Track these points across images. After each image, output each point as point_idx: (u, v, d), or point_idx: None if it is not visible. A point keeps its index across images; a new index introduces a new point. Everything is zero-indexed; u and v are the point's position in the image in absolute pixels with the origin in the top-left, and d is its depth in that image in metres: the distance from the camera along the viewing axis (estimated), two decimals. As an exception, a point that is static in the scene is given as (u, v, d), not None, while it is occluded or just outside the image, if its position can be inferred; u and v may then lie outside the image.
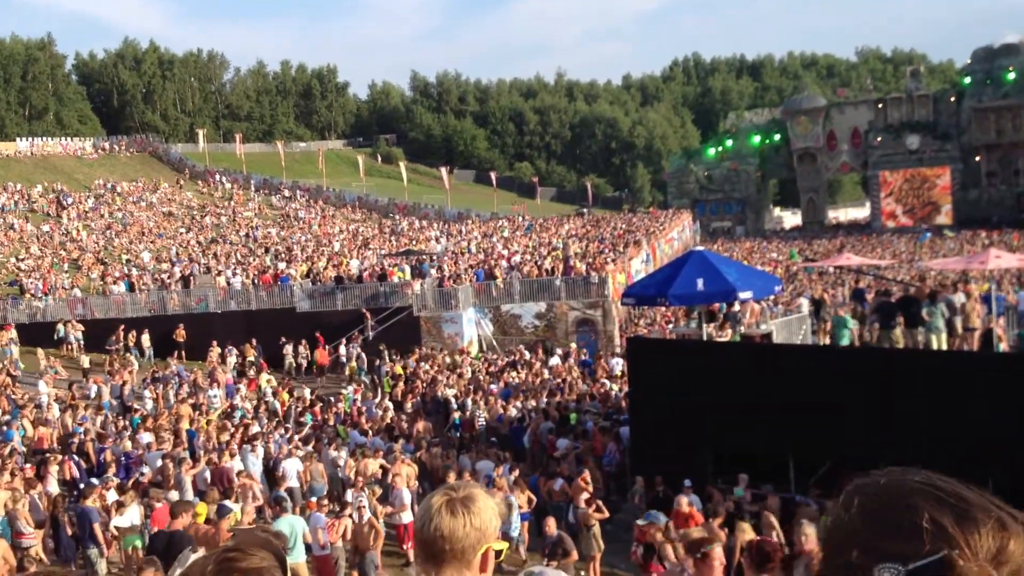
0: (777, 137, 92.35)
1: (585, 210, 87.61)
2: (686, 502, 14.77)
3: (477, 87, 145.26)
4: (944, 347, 18.20)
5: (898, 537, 1.18)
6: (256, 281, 41.12)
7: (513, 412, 24.34)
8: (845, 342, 19.15)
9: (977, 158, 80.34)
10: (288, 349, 35.79)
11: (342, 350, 35.57)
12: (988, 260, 20.69)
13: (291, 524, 13.93)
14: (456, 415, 25.26)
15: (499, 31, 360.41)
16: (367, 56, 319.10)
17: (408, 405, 27.38)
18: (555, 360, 31.93)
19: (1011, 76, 78.55)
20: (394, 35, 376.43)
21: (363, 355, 34.64)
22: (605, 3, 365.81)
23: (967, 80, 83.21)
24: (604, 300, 37.01)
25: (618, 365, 28.84)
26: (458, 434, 24.22)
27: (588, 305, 37.18)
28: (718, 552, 7.26)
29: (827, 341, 21.34)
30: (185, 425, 23.20)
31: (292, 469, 19.22)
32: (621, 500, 18.94)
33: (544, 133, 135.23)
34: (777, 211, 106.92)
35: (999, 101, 79.07)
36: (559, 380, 28.62)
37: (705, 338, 19.24)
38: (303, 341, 35.97)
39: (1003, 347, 18.62)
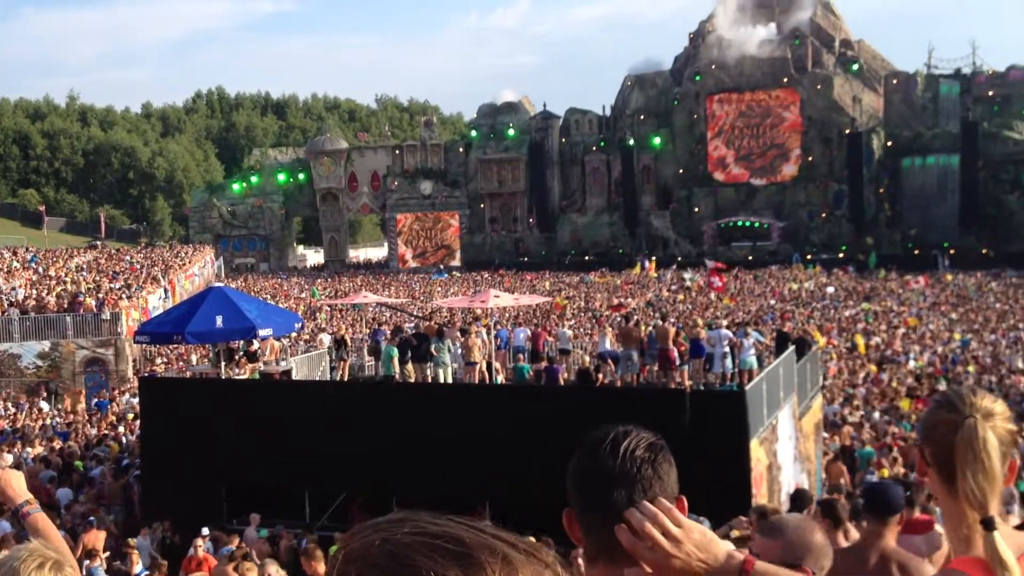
0: (301, 176, 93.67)
1: (98, 242, 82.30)
2: (202, 548, 14.32)
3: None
4: (450, 380, 19.49)
5: None
6: None
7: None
8: (392, 373, 19.75)
9: (482, 205, 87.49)
10: None
11: None
12: (488, 299, 22.54)
13: None
14: None
15: (2, 45, 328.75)
16: None
17: None
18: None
19: (511, 132, 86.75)
20: None
21: None
22: (123, 27, 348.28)
23: (474, 133, 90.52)
24: (117, 338, 35.09)
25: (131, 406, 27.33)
26: None
27: (99, 343, 35.01)
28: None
29: (346, 376, 21.95)
30: None
31: None
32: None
33: (53, 159, 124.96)
34: (301, 249, 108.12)
35: (501, 154, 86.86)
36: (66, 424, 26.48)
37: (223, 376, 18.89)
38: None
39: (500, 379, 20.37)
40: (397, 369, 19.79)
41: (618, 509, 1.75)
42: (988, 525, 2.00)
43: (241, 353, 19.19)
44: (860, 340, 36.32)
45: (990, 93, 77.33)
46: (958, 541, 2.07)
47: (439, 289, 63.16)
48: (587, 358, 23.43)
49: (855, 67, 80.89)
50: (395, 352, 19.90)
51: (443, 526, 1.12)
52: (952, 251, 70.18)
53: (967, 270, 63.57)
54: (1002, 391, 27.27)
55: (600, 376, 20.54)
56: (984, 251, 69.97)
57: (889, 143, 77.50)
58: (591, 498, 1.78)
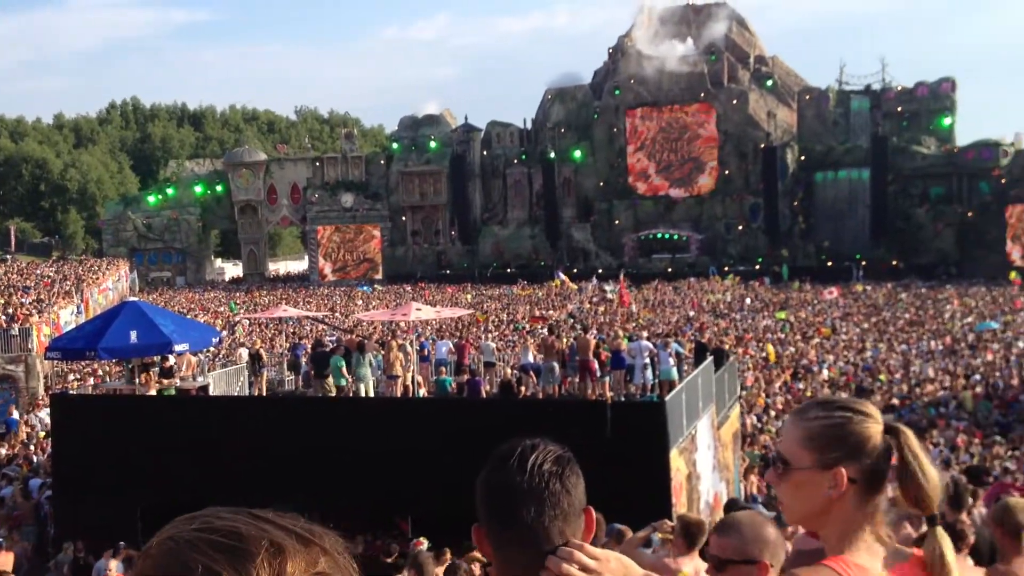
0: (219, 188, 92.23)
1: (8, 256, 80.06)
2: (114, 567, 14.00)
3: None
4: (371, 394, 19.36)
5: None
6: None
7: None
8: (342, 383, 19.43)
9: (404, 218, 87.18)
10: None
11: None
12: (410, 312, 22.49)
13: None
14: None
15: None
16: None
17: None
18: None
19: (433, 144, 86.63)
20: None
21: None
22: (34, 36, 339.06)
23: (396, 145, 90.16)
24: (27, 354, 34.19)
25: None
26: None
27: (8, 360, 34.08)
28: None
29: (264, 391, 21.68)
30: None
31: None
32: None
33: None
34: (219, 262, 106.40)
35: (423, 166, 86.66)
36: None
37: (138, 392, 18.50)
38: None
39: (423, 392, 20.31)
40: (349, 378, 19.48)
41: (527, 525, 1.77)
42: (933, 521, 2.10)
43: (156, 368, 18.82)
44: (771, 349, 37.02)
45: (899, 109, 79.70)
46: (838, 541, 2.11)
47: (360, 303, 62.67)
48: (509, 370, 23.49)
49: (769, 83, 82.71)
50: (342, 362, 19.61)
51: (228, 521, 1.15)
52: (864, 263, 72.02)
53: (878, 281, 65.28)
54: (912, 399, 28.09)
55: (522, 388, 20.61)
56: (894, 263, 71.99)
57: (802, 157, 79.32)
58: (500, 514, 1.79)
